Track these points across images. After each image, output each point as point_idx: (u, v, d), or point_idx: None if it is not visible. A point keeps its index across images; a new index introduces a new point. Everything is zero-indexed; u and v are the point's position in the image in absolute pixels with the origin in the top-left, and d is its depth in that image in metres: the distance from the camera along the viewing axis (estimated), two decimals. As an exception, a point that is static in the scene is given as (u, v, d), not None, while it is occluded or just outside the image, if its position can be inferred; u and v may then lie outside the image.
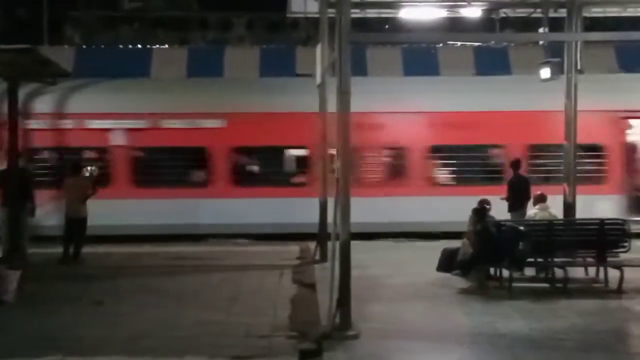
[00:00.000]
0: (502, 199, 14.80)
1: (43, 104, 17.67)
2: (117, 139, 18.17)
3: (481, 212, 12.78)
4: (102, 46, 29.51)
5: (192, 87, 19.84)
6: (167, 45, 30.48)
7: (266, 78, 20.69)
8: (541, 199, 13.67)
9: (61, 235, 15.14)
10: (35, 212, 14.68)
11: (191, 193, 18.06)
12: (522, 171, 15.79)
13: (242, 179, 18.44)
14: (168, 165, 18.43)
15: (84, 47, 29.07)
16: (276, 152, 18.62)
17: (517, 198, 14.76)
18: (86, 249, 15.17)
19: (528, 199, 14.58)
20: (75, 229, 15.00)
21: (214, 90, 19.04)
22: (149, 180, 18.18)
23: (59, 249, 15.01)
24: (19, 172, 14.10)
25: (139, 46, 29.40)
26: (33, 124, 17.47)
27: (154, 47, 28.28)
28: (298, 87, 18.50)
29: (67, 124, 17.96)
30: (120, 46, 29.82)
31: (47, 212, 15.89)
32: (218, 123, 18.23)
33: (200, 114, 18.28)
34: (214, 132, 18.19)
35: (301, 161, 18.58)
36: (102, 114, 18.01)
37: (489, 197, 13.29)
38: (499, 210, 14.01)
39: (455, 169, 18.47)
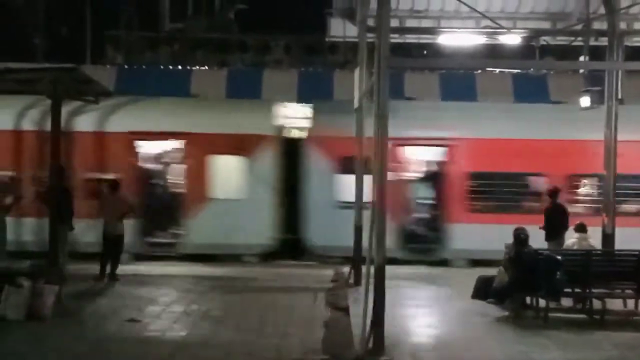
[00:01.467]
0: (540, 228, 14.62)
1: None
2: None
3: (518, 240, 12.65)
4: (143, 66, 29.89)
5: None
6: (206, 67, 30.74)
7: None
8: (581, 228, 13.51)
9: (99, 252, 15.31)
10: (74, 229, 14.85)
11: None
12: (560, 199, 15.62)
13: None
14: None
15: (125, 66, 29.47)
16: None
17: (554, 227, 14.58)
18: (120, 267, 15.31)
19: (566, 228, 14.40)
20: (112, 246, 15.15)
21: None
22: None
23: (96, 265, 15.17)
24: (62, 188, 14.30)
25: (179, 67, 29.72)
26: None
27: (193, 68, 28.58)
28: None
29: None
30: (161, 66, 30.17)
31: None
32: None
33: None
34: None
35: None
36: None
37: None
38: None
39: None
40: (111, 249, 15.14)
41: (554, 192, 15.41)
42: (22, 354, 9.37)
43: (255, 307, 12.54)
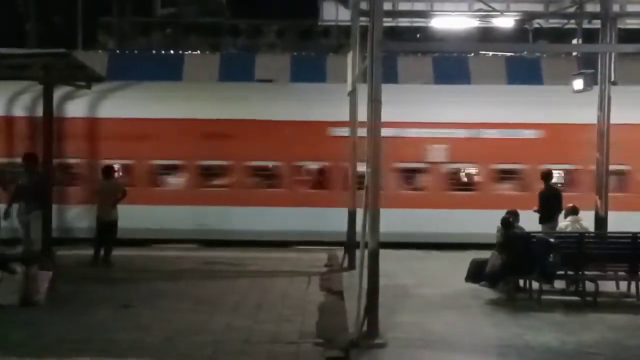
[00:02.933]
0: (534, 210, 14.65)
1: None
2: None
3: (506, 223, 12.68)
4: (135, 51, 29.82)
5: None
6: (198, 51, 30.68)
7: None
8: (573, 211, 13.55)
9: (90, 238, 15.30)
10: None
11: None
12: (553, 183, 15.65)
13: None
14: None
15: (117, 52, 29.39)
16: None
17: (548, 210, 14.62)
18: (115, 252, 15.31)
19: (559, 211, 14.45)
20: (106, 232, 15.14)
21: None
22: None
23: (89, 252, 15.17)
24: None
25: (171, 52, 29.65)
26: None
27: (185, 52, 28.52)
28: None
29: None
30: (153, 51, 30.11)
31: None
32: None
33: None
34: None
35: None
36: None
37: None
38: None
39: None
40: (105, 235, 15.14)
41: (547, 176, 15.44)
42: (16, 339, 9.37)
43: (250, 292, 12.56)
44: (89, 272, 14.21)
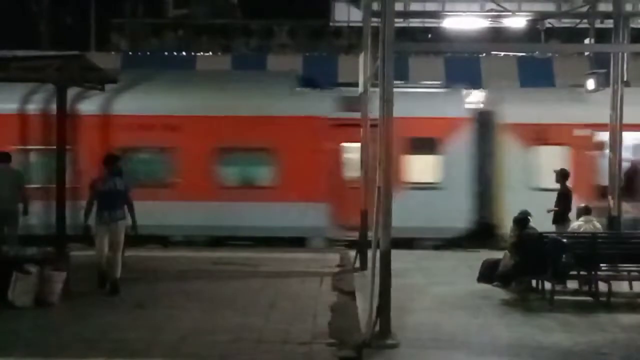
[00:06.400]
0: (549, 211, 14.58)
1: None
2: None
3: (520, 222, 12.66)
4: (148, 52, 29.95)
5: None
6: (210, 52, 30.80)
7: None
8: (586, 211, 13.50)
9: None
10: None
11: None
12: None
13: None
14: None
15: (130, 53, 29.52)
16: None
17: (565, 210, 14.55)
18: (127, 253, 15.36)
19: (569, 210, 14.40)
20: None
21: None
22: None
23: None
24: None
25: (183, 53, 29.76)
26: None
27: (197, 54, 28.63)
28: None
29: None
30: (165, 53, 30.24)
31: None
32: None
33: None
34: None
35: None
36: None
37: None
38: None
39: None
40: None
41: (564, 175, 15.34)
42: (29, 339, 9.45)
43: (262, 292, 12.60)
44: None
